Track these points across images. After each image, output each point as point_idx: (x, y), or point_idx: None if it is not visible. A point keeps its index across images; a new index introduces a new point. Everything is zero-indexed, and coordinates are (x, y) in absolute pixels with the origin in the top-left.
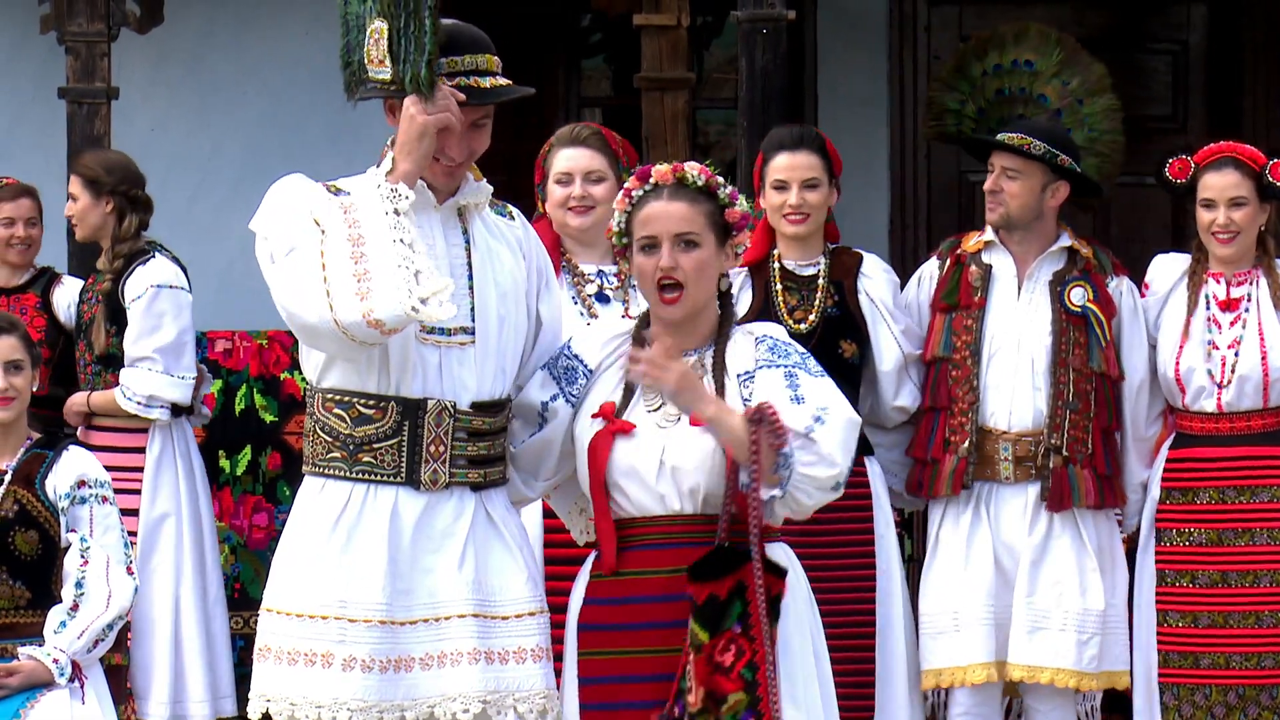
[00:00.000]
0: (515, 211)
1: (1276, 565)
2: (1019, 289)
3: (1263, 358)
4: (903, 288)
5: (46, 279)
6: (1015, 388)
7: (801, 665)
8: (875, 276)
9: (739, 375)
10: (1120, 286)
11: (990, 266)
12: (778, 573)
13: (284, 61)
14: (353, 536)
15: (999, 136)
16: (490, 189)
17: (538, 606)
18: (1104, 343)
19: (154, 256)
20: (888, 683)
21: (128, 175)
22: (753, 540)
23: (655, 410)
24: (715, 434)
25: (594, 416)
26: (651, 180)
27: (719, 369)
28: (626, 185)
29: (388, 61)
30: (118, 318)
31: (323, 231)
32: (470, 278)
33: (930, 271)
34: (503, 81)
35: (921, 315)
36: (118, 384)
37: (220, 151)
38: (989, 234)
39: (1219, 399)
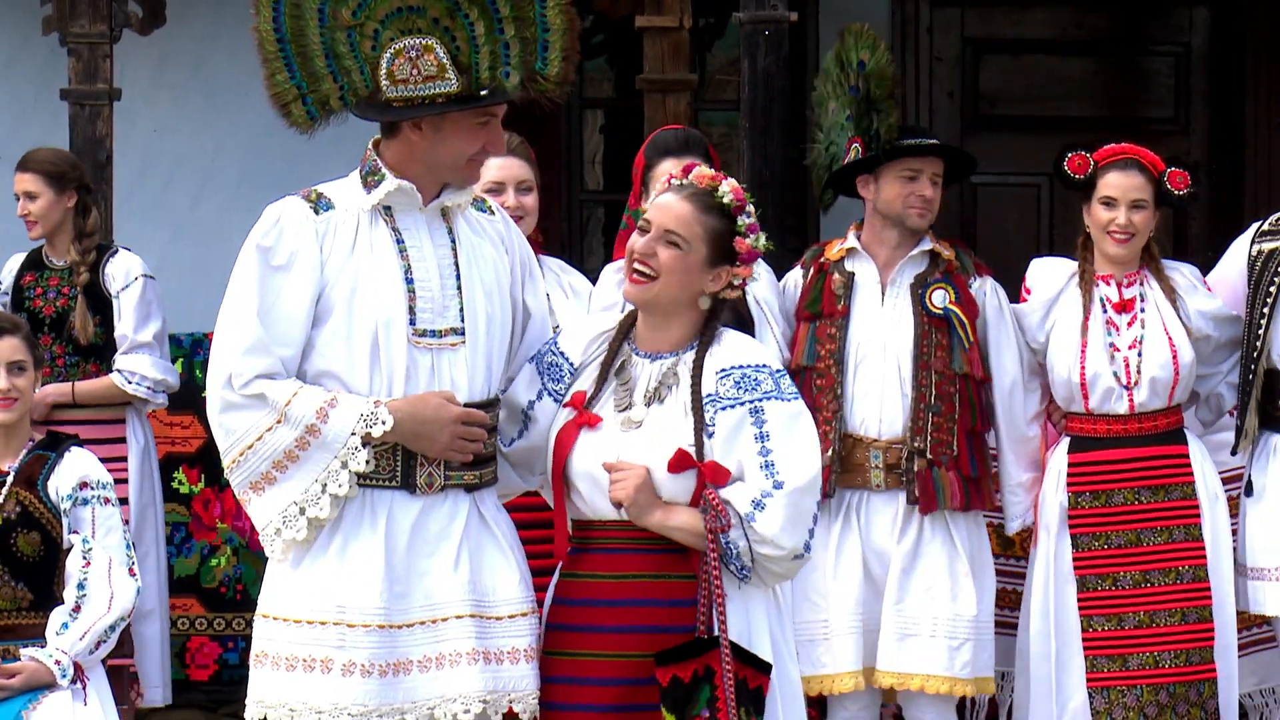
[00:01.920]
0: (495, 206)
1: (1196, 560)
2: (882, 295)
3: (1173, 356)
4: None
5: None
6: (884, 395)
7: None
8: (760, 277)
9: (707, 395)
10: (984, 287)
11: (853, 274)
12: (760, 666)
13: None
14: (349, 542)
15: (926, 142)
16: (474, 189)
17: (530, 607)
18: (967, 344)
19: (119, 250)
20: None
21: (83, 170)
22: (721, 626)
23: (622, 411)
24: (671, 538)
25: (565, 405)
26: (688, 179)
27: (696, 376)
28: (674, 172)
29: (450, 72)
30: (101, 308)
31: (283, 417)
32: (458, 278)
33: (795, 280)
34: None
35: (788, 323)
36: (98, 373)
37: (223, 153)
38: (851, 241)
39: (1131, 400)
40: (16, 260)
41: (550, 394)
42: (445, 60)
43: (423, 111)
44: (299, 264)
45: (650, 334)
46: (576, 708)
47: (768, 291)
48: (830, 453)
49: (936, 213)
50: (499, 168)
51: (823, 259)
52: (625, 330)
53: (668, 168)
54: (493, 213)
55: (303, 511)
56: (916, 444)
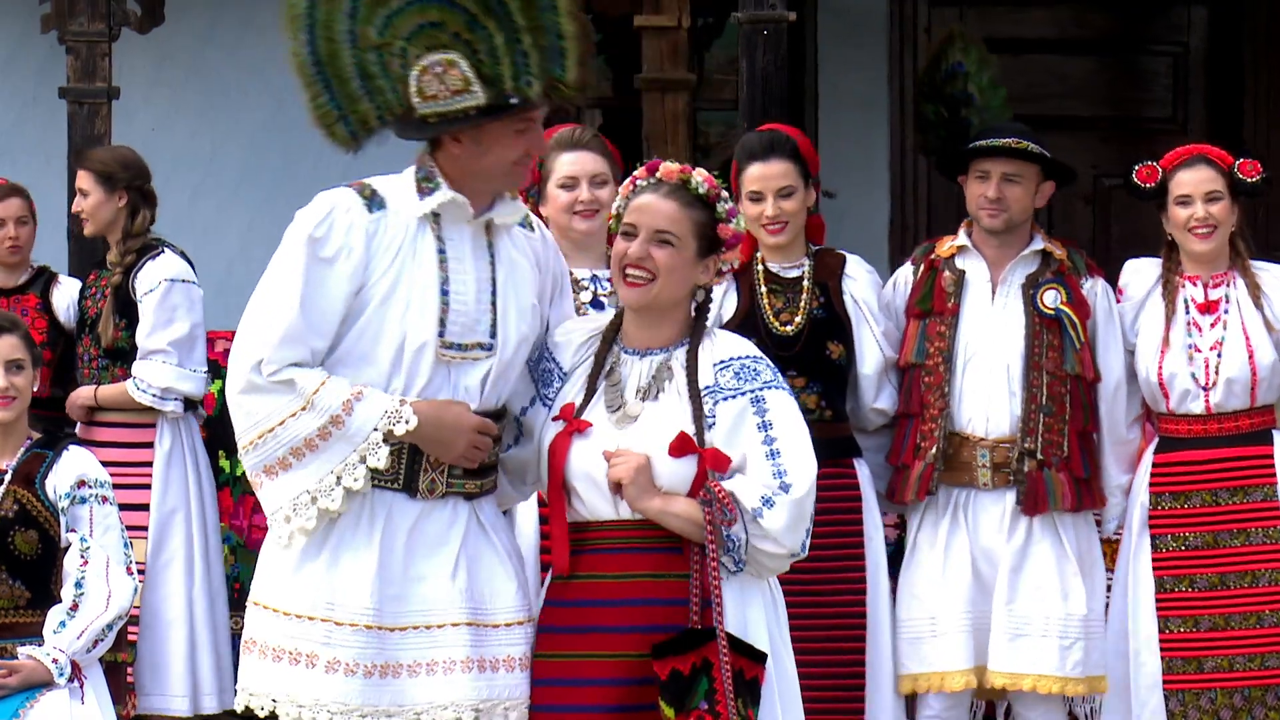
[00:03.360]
0: (536, 222)
1: (1274, 564)
2: (993, 294)
3: (1249, 357)
4: None
5: (45, 279)
6: (991, 393)
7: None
8: (859, 277)
9: (705, 387)
10: (1095, 288)
11: (964, 272)
12: (755, 656)
13: (285, 62)
14: (345, 540)
15: (996, 143)
16: (524, 209)
17: (526, 616)
18: (1078, 345)
19: (163, 251)
20: (876, 684)
21: (140, 171)
22: (717, 618)
23: (614, 411)
24: (666, 526)
25: (555, 419)
26: (657, 175)
27: (692, 367)
28: (634, 173)
29: (475, 85)
30: (127, 311)
31: (309, 404)
32: (494, 294)
33: (905, 277)
34: None
35: (897, 320)
36: (125, 378)
37: (221, 152)
38: (962, 239)
39: (1207, 401)
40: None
41: (542, 400)
42: (469, 74)
43: (457, 125)
44: (346, 260)
45: (641, 333)
46: (572, 709)
47: (866, 292)
48: (935, 450)
49: (1019, 213)
50: (571, 162)
51: (933, 256)
52: (611, 334)
53: (755, 172)
54: (532, 229)
55: (314, 501)
56: (1028, 445)
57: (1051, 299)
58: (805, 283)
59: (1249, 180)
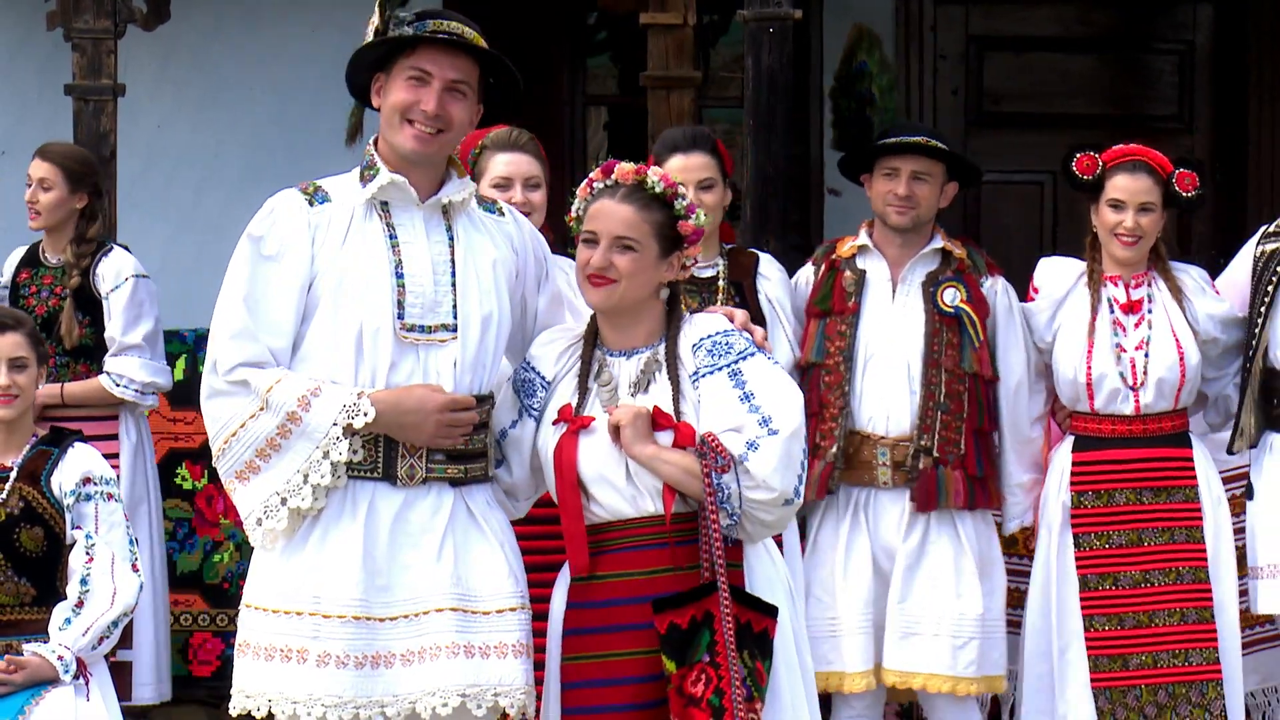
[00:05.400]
0: (508, 209)
1: (1197, 562)
2: (893, 292)
3: (1180, 358)
4: None
5: None
6: (891, 392)
7: (787, 672)
8: (772, 276)
9: (690, 375)
10: (995, 286)
11: (864, 271)
12: (765, 609)
13: (291, 59)
14: (329, 533)
15: (908, 140)
16: (474, 185)
17: (519, 602)
18: (976, 343)
19: (112, 248)
20: None
21: (100, 174)
22: (719, 571)
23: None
24: (659, 474)
25: (555, 423)
26: (613, 177)
27: (673, 361)
28: (591, 175)
29: (375, 19)
30: (91, 309)
31: (265, 404)
32: (453, 275)
33: (806, 277)
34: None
35: (799, 320)
36: (88, 374)
37: (226, 149)
38: (863, 238)
39: (1137, 401)
40: (16, 255)
41: (527, 410)
42: (378, 22)
43: (360, 69)
44: (289, 255)
45: (618, 334)
46: (604, 709)
47: (780, 291)
48: (835, 449)
49: (927, 211)
50: (506, 163)
51: (834, 256)
52: (591, 338)
53: (676, 164)
54: (502, 214)
55: (284, 502)
56: (924, 442)
57: (951, 297)
58: (720, 282)
59: (1184, 195)
